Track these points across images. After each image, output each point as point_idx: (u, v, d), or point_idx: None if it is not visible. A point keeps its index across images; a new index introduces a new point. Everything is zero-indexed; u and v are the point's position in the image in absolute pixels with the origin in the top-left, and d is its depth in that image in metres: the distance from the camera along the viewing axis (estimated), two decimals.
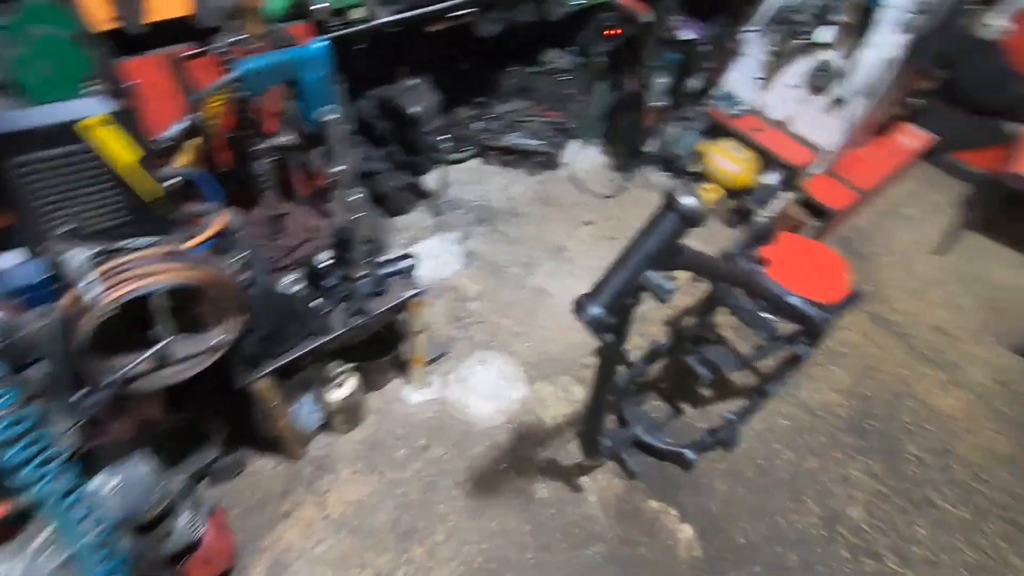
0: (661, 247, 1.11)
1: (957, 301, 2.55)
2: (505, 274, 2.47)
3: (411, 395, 2.00)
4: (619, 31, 2.88)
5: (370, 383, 1.94)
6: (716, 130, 2.89)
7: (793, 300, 1.79)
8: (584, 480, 1.85)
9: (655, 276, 1.09)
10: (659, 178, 2.98)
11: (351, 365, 1.79)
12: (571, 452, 1.91)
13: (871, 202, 2.93)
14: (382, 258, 1.74)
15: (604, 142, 3.12)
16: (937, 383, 2.24)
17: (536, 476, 1.86)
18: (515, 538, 1.72)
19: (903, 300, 2.53)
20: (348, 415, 1.82)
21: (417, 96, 2.47)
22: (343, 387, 1.72)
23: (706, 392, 2.11)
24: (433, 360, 2.08)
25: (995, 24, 2.92)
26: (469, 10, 2.23)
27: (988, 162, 2.91)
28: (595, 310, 1.06)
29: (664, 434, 1.95)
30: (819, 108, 2.66)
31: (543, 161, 2.95)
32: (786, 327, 1.97)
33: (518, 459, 1.90)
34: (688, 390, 2.11)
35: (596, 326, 1.08)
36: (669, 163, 2.93)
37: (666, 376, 2.15)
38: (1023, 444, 2.08)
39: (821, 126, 2.67)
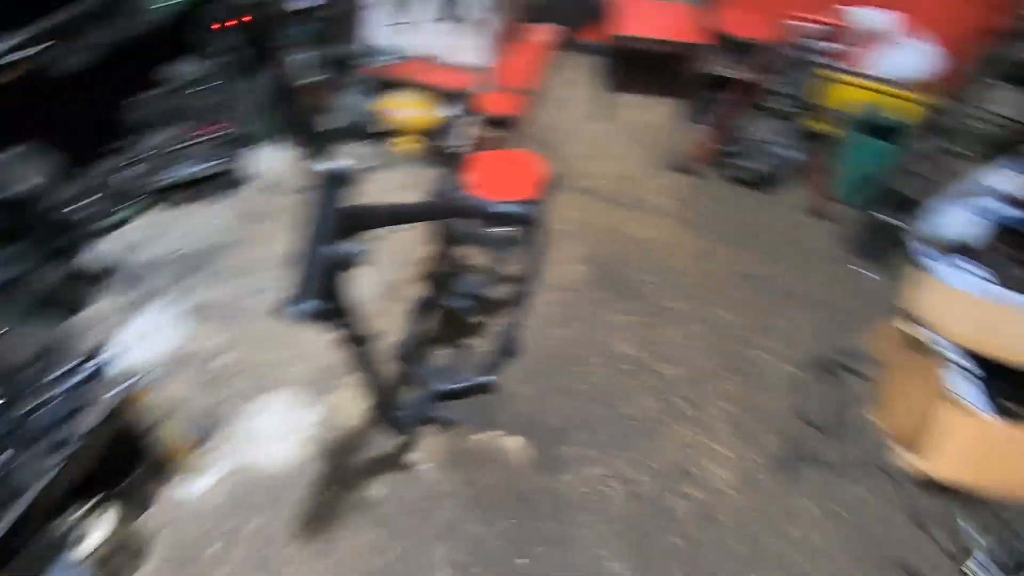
0: (332, 219, 1.10)
1: (628, 150, 3.09)
2: (244, 311, 2.25)
3: (194, 487, 1.75)
4: (238, 21, 2.68)
5: (137, 502, 1.64)
6: (386, 85, 2.93)
7: (499, 208, 1.96)
8: (411, 456, 1.87)
9: (339, 248, 1.08)
10: (354, 150, 2.94)
11: (98, 497, 1.49)
12: (387, 439, 1.89)
13: (539, 99, 3.31)
14: (66, 368, 1.44)
15: (285, 136, 2.94)
16: (639, 221, 2.72)
17: (365, 481, 1.82)
18: (372, 548, 1.68)
19: (592, 167, 2.97)
20: (123, 553, 1.53)
21: (24, 169, 2.02)
22: (98, 529, 1.43)
23: (479, 318, 2.25)
24: (202, 438, 1.84)
25: None
26: (25, 51, 1.83)
27: (599, 34, 3.44)
28: (305, 306, 1.03)
29: (460, 374, 2.05)
30: (463, 33, 2.85)
31: (228, 180, 2.69)
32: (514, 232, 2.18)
33: (341, 476, 1.83)
34: (464, 324, 2.22)
35: (316, 318, 1.05)
36: (355, 132, 2.90)
37: (441, 322, 2.23)
38: (704, 236, 2.66)
39: (471, 49, 2.88)
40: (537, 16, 3.55)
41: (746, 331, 2.31)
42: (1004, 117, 2.70)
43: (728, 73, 2.95)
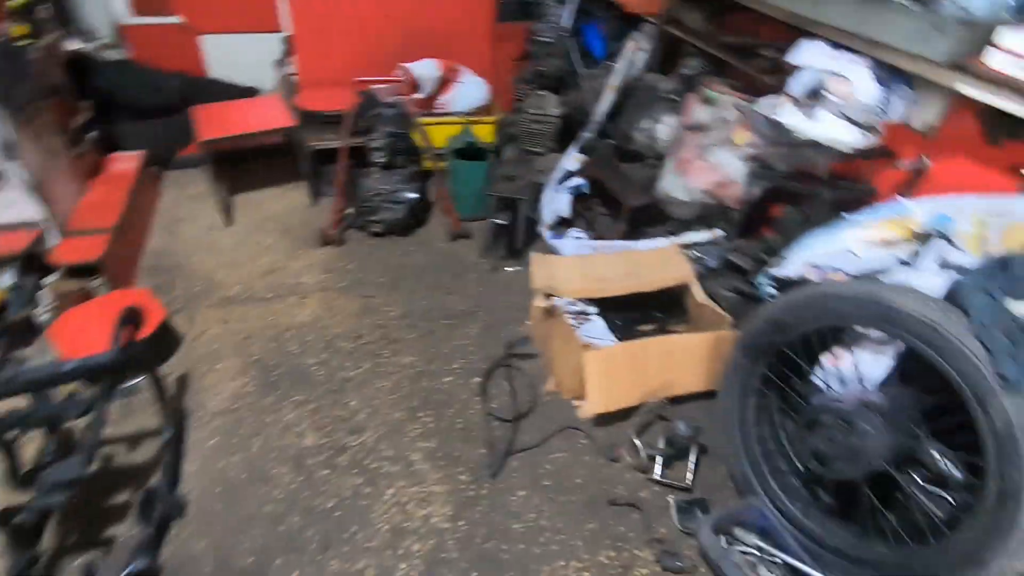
0: None
1: (265, 245, 2.97)
2: None
3: None
4: None
5: None
6: None
7: (71, 365, 1.64)
8: None
9: None
10: None
11: None
12: None
13: (146, 227, 2.99)
14: None
15: None
16: (295, 307, 2.60)
17: None
18: None
19: (233, 273, 2.76)
20: None
21: None
22: None
23: (115, 499, 1.83)
24: None
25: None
26: None
27: (192, 147, 3.27)
28: None
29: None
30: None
31: None
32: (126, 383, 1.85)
33: None
34: (96, 515, 1.78)
35: None
36: None
37: (60, 528, 1.75)
38: (362, 296, 2.68)
39: (9, 205, 2.42)
40: (117, 144, 3.25)
41: (427, 365, 2.35)
42: (550, 115, 3.37)
43: (331, 145, 3.08)
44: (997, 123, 1.74)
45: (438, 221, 3.20)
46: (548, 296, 2.34)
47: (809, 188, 2.14)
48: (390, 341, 2.45)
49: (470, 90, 3.38)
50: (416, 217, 3.12)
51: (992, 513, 1.31)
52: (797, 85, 1.97)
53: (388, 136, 2.99)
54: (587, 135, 3.09)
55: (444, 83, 3.33)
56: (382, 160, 3.01)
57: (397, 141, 3.02)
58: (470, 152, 3.21)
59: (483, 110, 3.44)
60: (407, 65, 3.22)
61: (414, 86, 3.23)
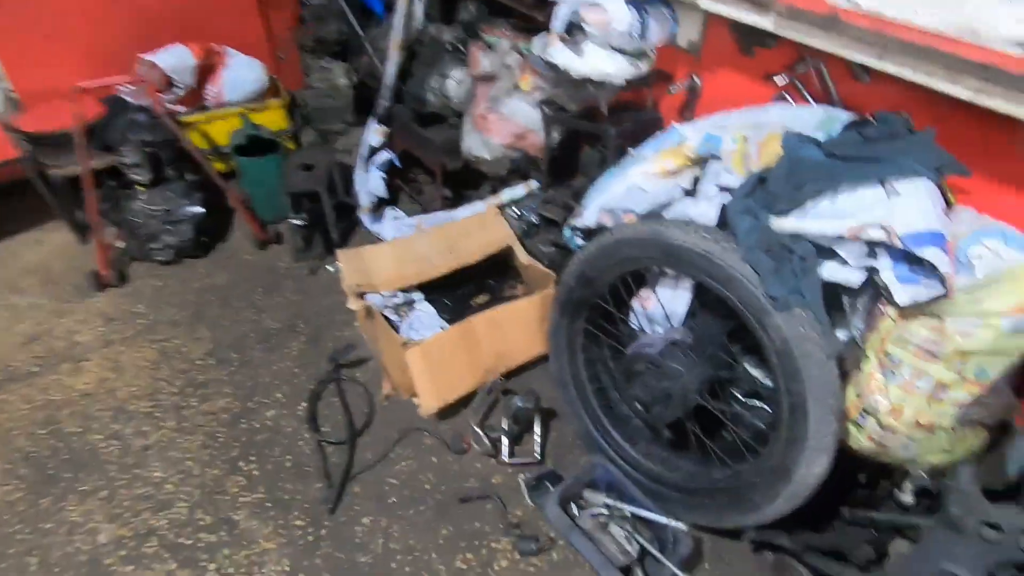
0: None
1: (22, 306, 2.43)
2: None
3: None
4: None
5: None
6: None
7: None
8: None
9: None
10: None
11: None
12: None
13: None
14: None
15: None
16: (70, 374, 2.15)
17: None
18: None
19: None
20: None
21: None
22: None
23: None
24: None
25: None
26: None
27: None
28: None
29: None
30: None
31: None
32: None
33: None
34: None
35: None
36: None
37: None
38: (156, 340, 2.29)
39: None
40: None
41: (243, 404, 2.07)
42: (340, 87, 3.04)
43: (71, 171, 2.54)
44: (746, 33, 1.73)
45: (241, 231, 2.81)
46: (361, 295, 2.13)
47: (598, 126, 2.07)
48: (197, 387, 2.12)
49: (242, 74, 2.93)
50: (209, 232, 2.70)
51: (788, 426, 1.34)
52: (556, 21, 1.84)
53: (144, 146, 2.52)
54: (383, 103, 2.81)
55: (207, 70, 2.86)
56: (144, 177, 2.53)
57: (159, 150, 2.55)
58: (259, 145, 2.81)
59: (266, 93, 3.01)
60: (150, 57, 2.70)
61: (167, 81, 2.73)
